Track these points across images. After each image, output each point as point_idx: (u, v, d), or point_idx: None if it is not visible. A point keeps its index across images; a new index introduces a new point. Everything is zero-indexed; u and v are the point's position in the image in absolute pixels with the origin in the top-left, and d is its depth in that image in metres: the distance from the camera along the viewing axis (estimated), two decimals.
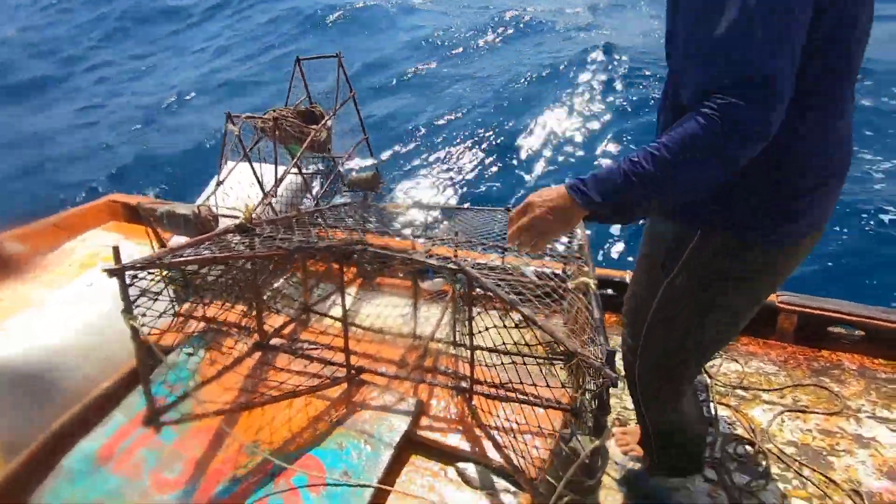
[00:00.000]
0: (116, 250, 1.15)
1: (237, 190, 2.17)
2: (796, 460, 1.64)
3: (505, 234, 1.45)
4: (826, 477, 1.59)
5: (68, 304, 1.76)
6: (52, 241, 2.56)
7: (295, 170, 2.23)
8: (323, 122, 2.39)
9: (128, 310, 1.15)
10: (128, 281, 1.14)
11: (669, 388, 1.34)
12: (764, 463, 1.65)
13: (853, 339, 2.06)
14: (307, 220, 1.87)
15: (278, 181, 2.14)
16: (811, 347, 2.05)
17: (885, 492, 1.54)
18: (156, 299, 1.29)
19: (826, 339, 2.06)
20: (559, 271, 1.63)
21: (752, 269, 1.05)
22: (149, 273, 1.25)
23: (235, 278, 1.71)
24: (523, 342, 1.27)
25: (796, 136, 0.91)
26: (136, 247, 2.24)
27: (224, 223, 1.96)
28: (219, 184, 2.03)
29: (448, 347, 1.69)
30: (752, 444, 1.70)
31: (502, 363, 1.49)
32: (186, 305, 2.08)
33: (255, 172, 2.15)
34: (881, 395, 1.83)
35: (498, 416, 1.50)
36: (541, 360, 1.33)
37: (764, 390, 1.89)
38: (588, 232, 1.70)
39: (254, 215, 2.11)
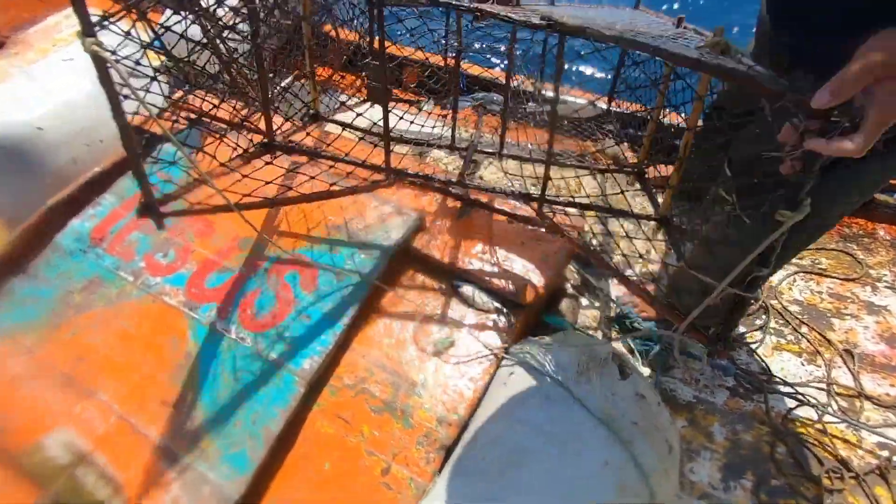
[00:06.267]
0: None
1: None
2: (797, 318, 1.61)
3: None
4: (822, 336, 1.57)
5: (43, 79, 1.60)
6: (33, 13, 2.29)
7: None
8: None
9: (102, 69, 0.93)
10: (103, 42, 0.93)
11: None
12: (764, 317, 1.62)
13: None
14: None
15: None
16: (849, 214, 1.90)
17: (880, 355, 1.53)
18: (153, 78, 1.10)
19: (868, 206, 1.90)
20: None
21: None
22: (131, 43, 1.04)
23: (237, 66, 1.51)
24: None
25: None
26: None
27: None
28: None
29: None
30: (756, 299, 1.66)
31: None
32: (179, 94, 1.91)
33: None
34: None
35: (505, 241, 1.43)
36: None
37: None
38: None
39: None
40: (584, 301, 1.65)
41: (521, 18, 0.88)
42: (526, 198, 1.28)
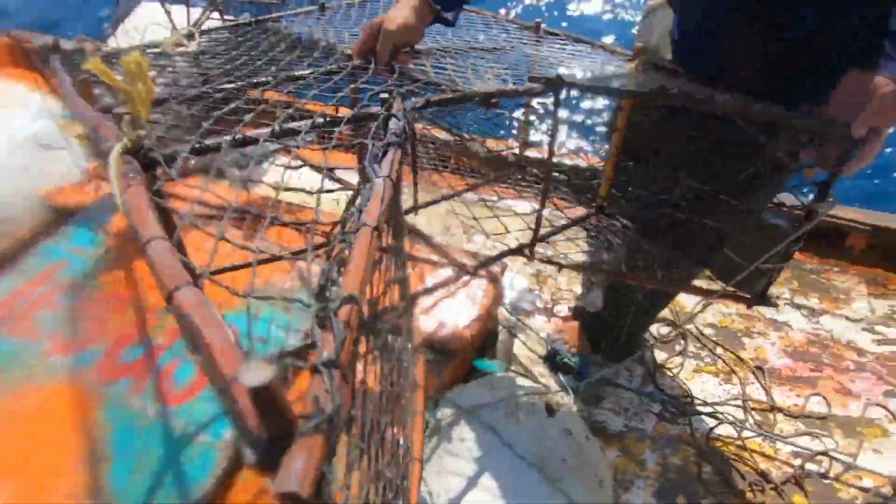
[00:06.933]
0: None
1: (148, 33, 1.84)
2: (712, 340, 1.73)
3: None
4: (736, 355, 1.69)
5: None
6: None
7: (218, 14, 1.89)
8: None
9: None
10: None
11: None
12: (683, 342, 1.73)
13: None
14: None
15: (197, 23, 1.83)
16: None
17: (786, 368, 1.66)
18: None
19: None
20: None
21: None
22: None
23: None
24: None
25: None
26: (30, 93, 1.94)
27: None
28: (116, 21, 1.71)
29: None
30: (674, 324, 1.77)
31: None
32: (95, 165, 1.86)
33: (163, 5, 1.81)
34: (802, 283, 1.91)
35: (431, 286, 1.47)
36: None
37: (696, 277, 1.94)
38: None
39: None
40: (516, 343, 1.69)
41: (515, 88, 0.90)
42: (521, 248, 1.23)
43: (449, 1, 0.96)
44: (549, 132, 0.99)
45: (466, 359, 1.42)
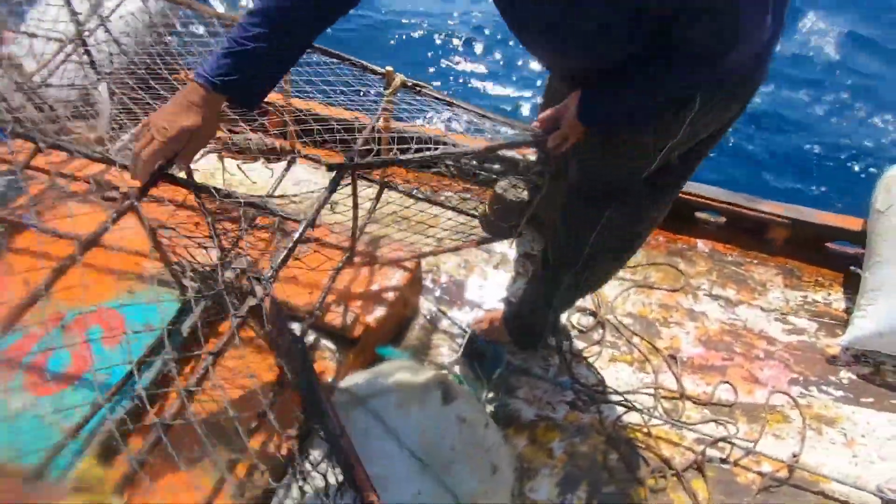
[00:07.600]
0: None
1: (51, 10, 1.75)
2: (630, 330, 1.75)
3: None
4: (651, 344, 1.71)
5: None
6: None
7: None
8: None
9: None
10: None
11: (604, 270, 1.39)
12: (601, 331, 1.74)
13: (715, 225, 2.14)
14: None
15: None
16: (675, 232, 2.10)
17: (698, 357, 1.69)
18: None
19: (691, 225, 2.11)
20: None
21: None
22: None
23: None
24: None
25: None
26: None
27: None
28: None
29: None
30: (594, 314, 1.78)
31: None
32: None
33: None
34: (721, 275, 1.95)
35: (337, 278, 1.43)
36: None
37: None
38: None
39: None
40: (435, 333, 1.67)
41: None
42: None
43: (247, 94, 0.90)
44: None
45: (371, 347, 1.39)
